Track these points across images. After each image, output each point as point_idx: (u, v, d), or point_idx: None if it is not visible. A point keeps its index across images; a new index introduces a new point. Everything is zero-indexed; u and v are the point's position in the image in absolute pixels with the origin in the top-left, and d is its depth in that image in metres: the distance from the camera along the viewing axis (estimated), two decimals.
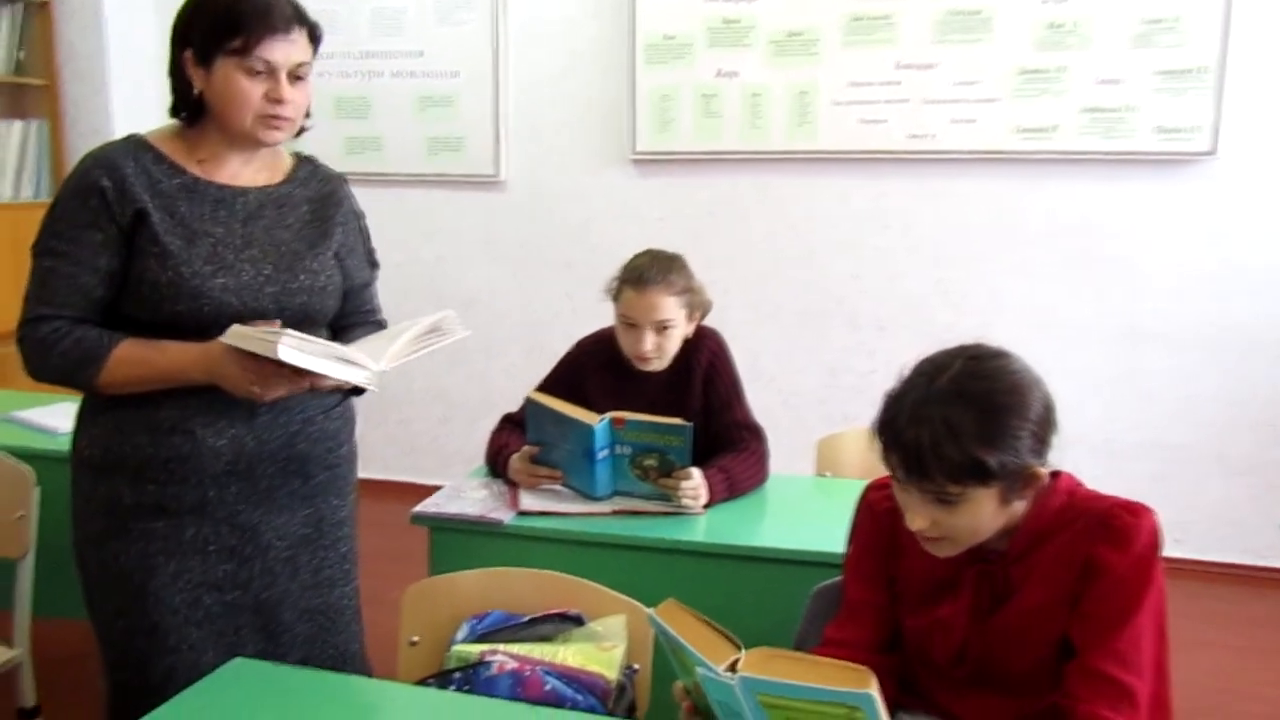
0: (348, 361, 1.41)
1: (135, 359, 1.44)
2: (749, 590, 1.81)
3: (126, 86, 3.92)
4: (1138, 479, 3.38)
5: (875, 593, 1.38)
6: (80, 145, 3.90)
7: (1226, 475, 3.36)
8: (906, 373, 1.25)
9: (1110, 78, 3.22)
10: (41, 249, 1.47)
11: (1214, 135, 3.15)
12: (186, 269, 1.45)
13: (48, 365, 1.46)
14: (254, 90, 1.45)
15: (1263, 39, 3.11)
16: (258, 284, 1.50)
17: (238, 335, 1.37)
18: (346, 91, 3.91)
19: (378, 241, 1.77)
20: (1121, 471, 3.38)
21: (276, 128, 1.49)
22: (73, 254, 1.44)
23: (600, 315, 2.18)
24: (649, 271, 2.02)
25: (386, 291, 1.81)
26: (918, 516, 1.23)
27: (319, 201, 1.63)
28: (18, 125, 3.72)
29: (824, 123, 3.49)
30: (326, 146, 3.85)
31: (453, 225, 3.95)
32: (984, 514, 1.21)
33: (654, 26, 3.58)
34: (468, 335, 1.53)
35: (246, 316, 1.45)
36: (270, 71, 1.44)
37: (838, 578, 1.50)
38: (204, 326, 1.44)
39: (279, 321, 1.43)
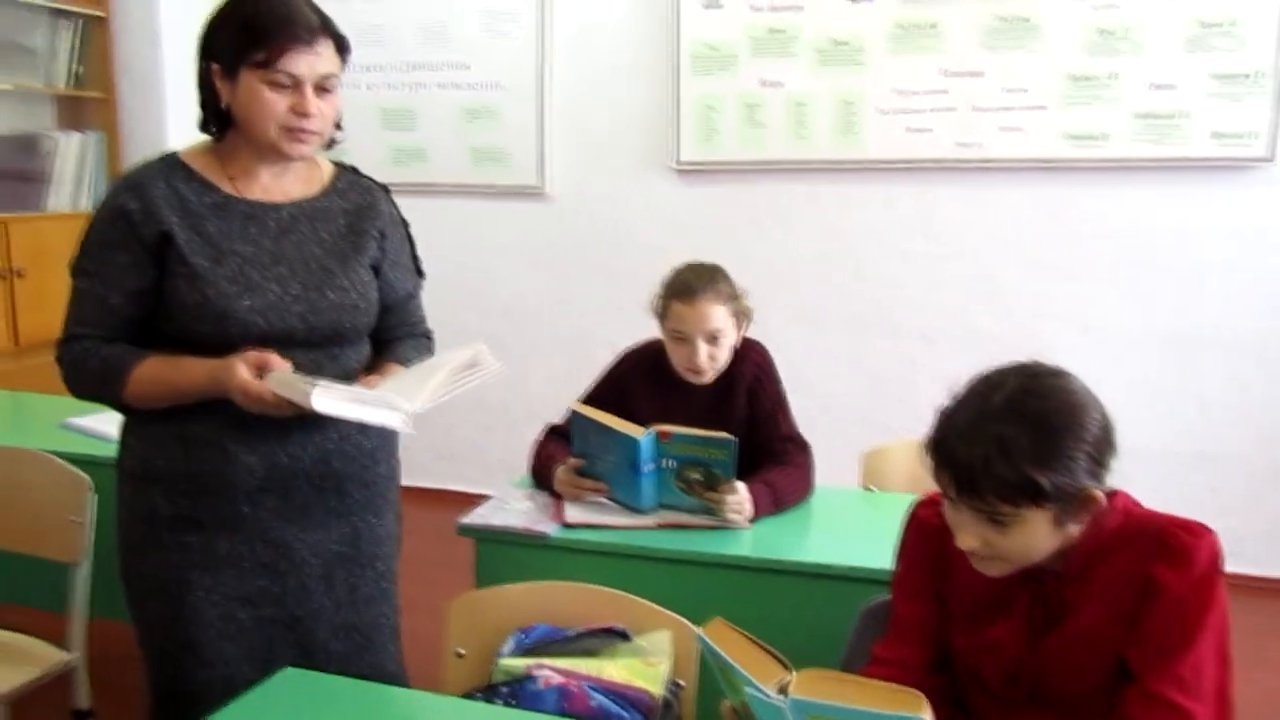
0: (382, 405, 1.41)
1: (155, 377, 1.46)
2: (795, 606, 1.79)
3: (182, 98, 4.00)
4: (1194, 490, 3.32)
5: (925, 611, 1.36)
6: (136, 156, 3.98)
7: None
8: (960, 389, 1.23)
9: (1163, 83, 3.16)
10: (75, 269, 1.51)
11: (1272, 141, 3.09)
12: (212, 290, 1.45)
13: (80, 383, 1.51)
14: (278, 103, 1.44)
15: None
16: (285, 303, 1.49)
17: (277, 382, 1.39)
18: (392, 103, 3.96)
19: (423, 252, 1.75)
20: (1177, 482, 3.32)
21: (302, 140, 1.48)
22: (102, 275, 1.47)
23: (644, 324, 2.18)
24: (696, 282, 2.02)
25: (431, 302, 1.81)
26: (969, 536, 1.21)
27: (356, 213, 1.61)
28: (76, 137, 3.81)
29: (870, 132, 3.47)
30: (372, 157, 3.95)
31: (497, 235, 3.98)
32: (1037, 536, 1.19)
33: (698, 36, 3.59)
34: (501, 370, 1.50)
35: (273, 336, 1.46)
36: (295, 84, 1.44)
37: (886, 595, 1.48)
38: (232, 346, 1.44)
39: (289, 364, 1.43)
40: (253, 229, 1.51)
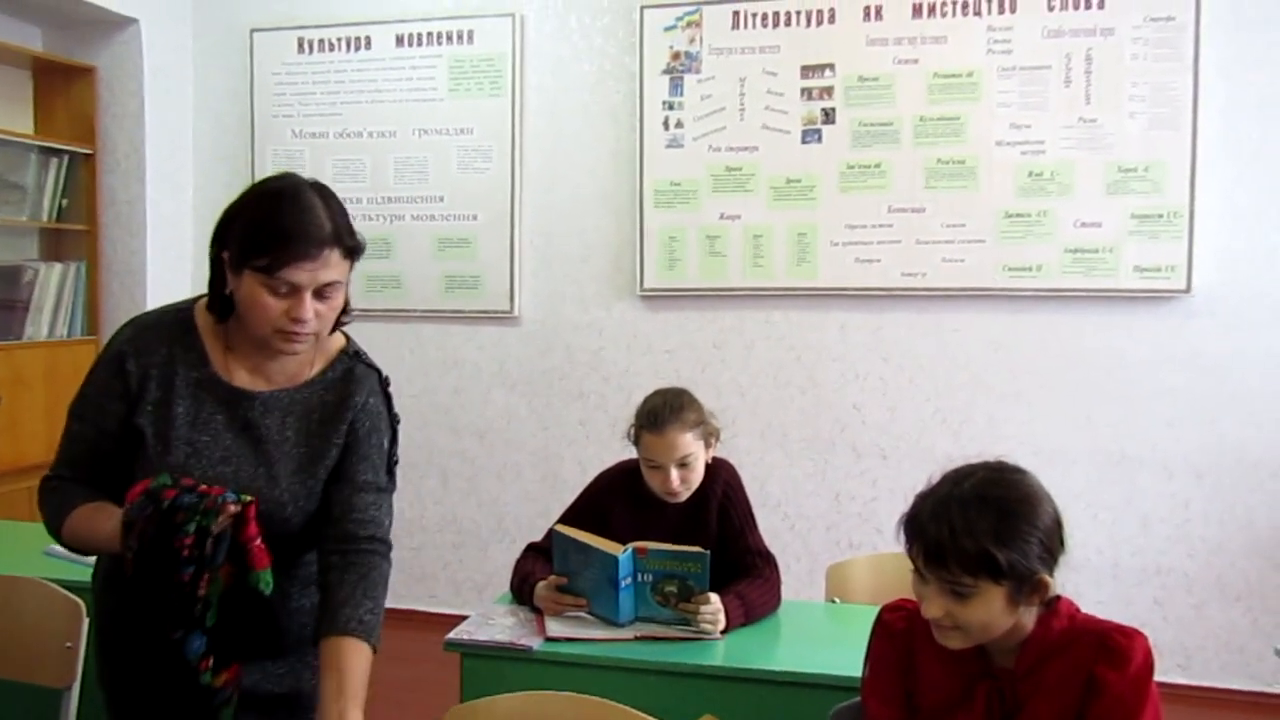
0: None
1: (82, 519, 1.48)
2: (767, 712, 1.88)
3: (162, 231, 4.16)
4: (1140, 604, 3.45)
5: (894, 710, 1.47)
6: (116, 286, 4.11)
7: (1226, 600, 3.43)
8: (935, 478, 1.42)
9: (1089, 221, 3.45)
10: (71, 411, 1.56)
11: (1188, 274, 3.36)
12: (153, 471, 1.45)
13: (44, 517, 1.54)
14: (275, 306, 1.43)
15: (1228, 186, 3.36)
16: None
17: None
18: (370, 233, 4.07)
19: (396, 374, 1.69)
20: (1124, 597, 3.46)
21: (294, 340, 1.47)
22: (92, 419, 1.52)
23: (611, 444, 2.30)
24: (663, 412, 2.16)
25: (406, 424, 1.74)
26: (934, 606, 1.36)
27: (336, 405, 1.57)
28: (58, 267, 3.93)
29: (823, 261, 3.70)
30: (349, 284, 4.09)
31: (469, 358, 4.12)
32: (994, 610, 1.34)
33: (661, 174, 3.84)
34: None
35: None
36: (294, 290, 1.43)
37: (855, 699, 1.59)
38: None
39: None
40: (219, 416, 1.52)
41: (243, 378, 1.55)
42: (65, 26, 4.11)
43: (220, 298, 1.52)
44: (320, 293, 1.45)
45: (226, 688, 1.46)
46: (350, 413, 1.58)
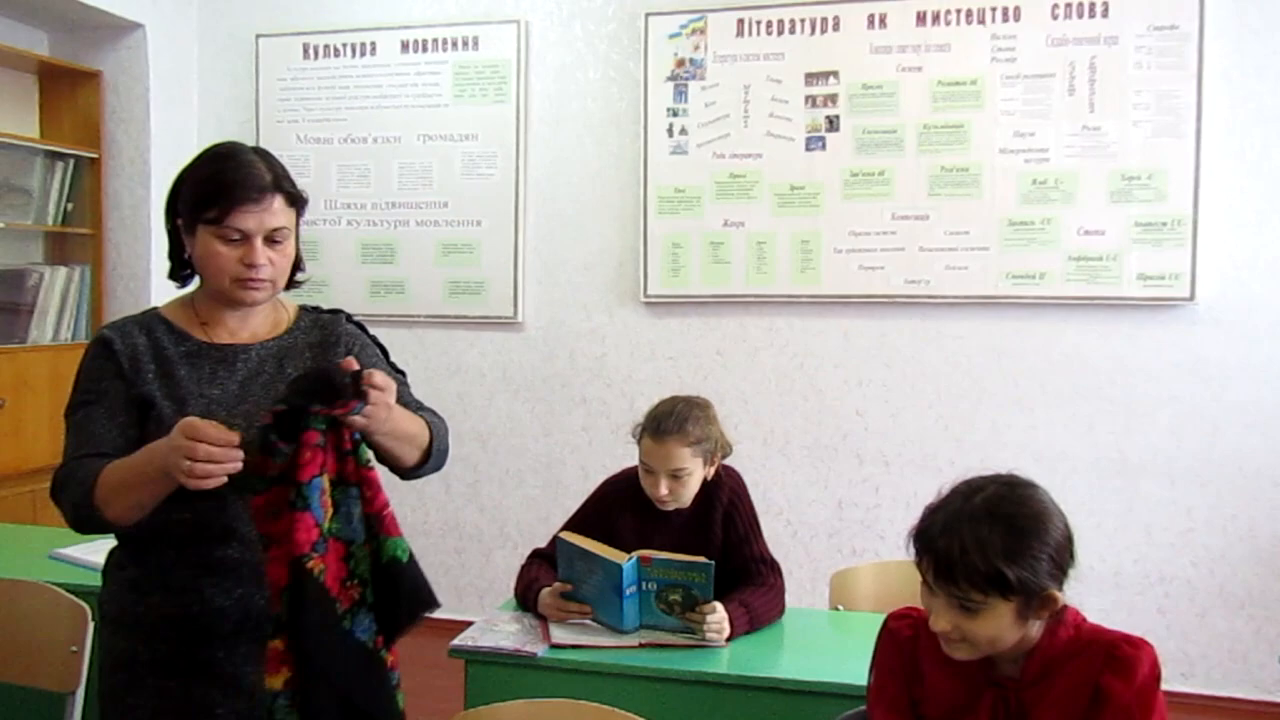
0: None
1: (116, 468, 1.45)
2: None
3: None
4: (1142, 612, 3.45)
5: (900, 718, 1.47)
6: (120, 290, 4.12)
7: (1229, 608, 3.43)
8: (945, 490, 1.41)
9: (1093, 229, 3.45)
10: (70, 406, 1.56)
11: (1191, 283, 3.36)
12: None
13: (68, 503, 1.48)
14: (230, 255, 1.53)
15: (1232, 194, 3.36)
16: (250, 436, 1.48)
17: None
18: (374, 238, 4.15)
19: None
20: (1126, 605, 3.46)
21: (253, 288, 1.56)
22: (100, 401, 1.53)
23: (614, 450, 2.31)
24: (666, 422, 2.15)
25: None
26: (942, 619, 1.36)
27: (321, 345, 1.68)
28: (62, 271, 3.93)
29: (826, 268, 3.71)
30: (352, 289, 4.12)
31: (473, 363, 4.12)
32: (1002, 625, 1.34)
33: (665, 181, 3.84)
34: None
35: (235, 475, 1.38)
36: (245, 238, 1.53)
37: (860, 708, 1.59)
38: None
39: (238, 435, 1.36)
40: (221, 373, 1.58)
41: (226, 338, 1.62)
42: (71, 31, 4.12)
43: (179, 264, 1.62)
44: (270, 239, 1.55)
45: (395, 668, 1.48)
46: (339, 342, 1.69)
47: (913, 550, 1.40)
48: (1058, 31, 3.46)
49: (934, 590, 1.37)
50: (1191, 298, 3.37)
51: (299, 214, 1.61)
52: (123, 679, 1.56)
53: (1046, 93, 3.48)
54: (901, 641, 1.50)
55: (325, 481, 1.40)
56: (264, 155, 1.60)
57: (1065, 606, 1.39)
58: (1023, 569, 1.32)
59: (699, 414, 2.19)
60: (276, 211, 1.55)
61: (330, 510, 1.40)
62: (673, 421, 2.15)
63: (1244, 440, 3.40)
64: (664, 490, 2.15)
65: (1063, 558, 1.36)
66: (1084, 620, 1.42)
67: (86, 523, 1.49)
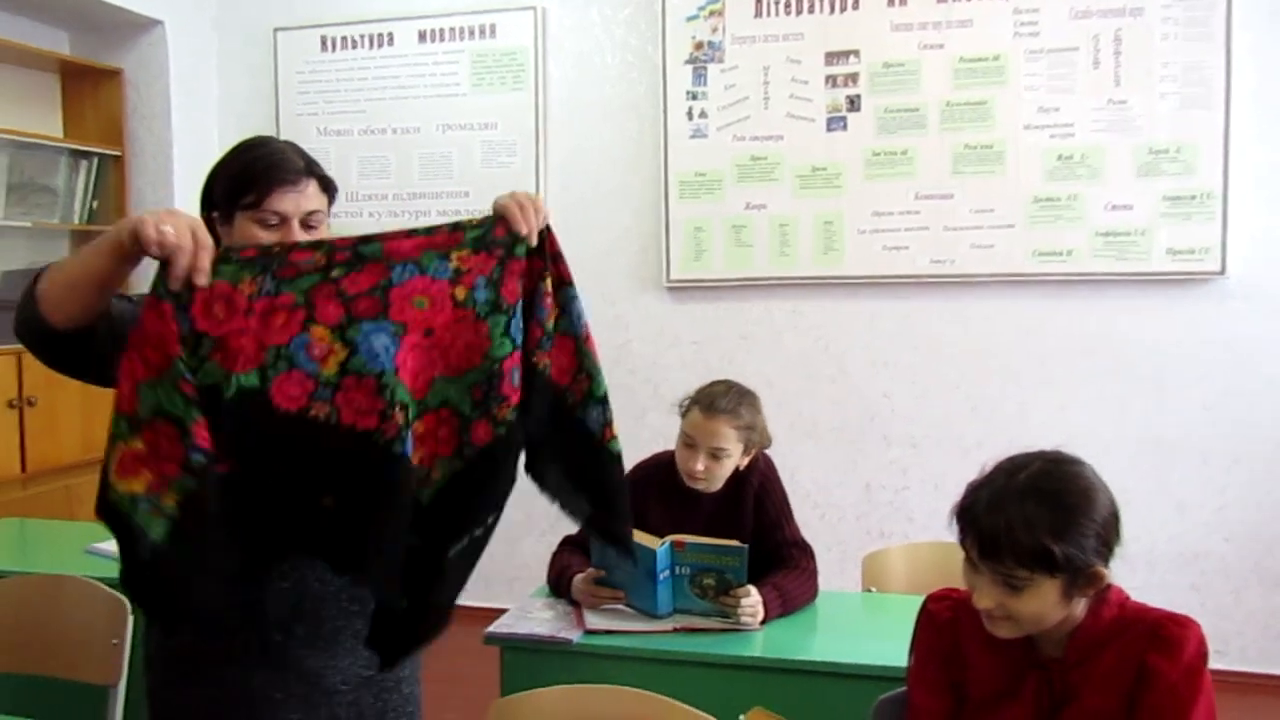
0: None
1: (63, 260, 1.37)
2: (808, 704, 1.87)
3: None
4: (1177, 590, 3.42)
5: (941, 700, 1.46)
6: (143, 286, 4.13)
7: (1264, 585, 3.39)
8: (989, 467, 1.39)
9: (1120, 204, 3.41)
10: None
11: (1221, 256, 3.32)
12: None
13: (19, 307, 1.38)
14: (268, 239, 1.51)
15: (1262, 166, 3.31)
16: None
17: None
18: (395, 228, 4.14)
19: None
20: (1160, 583, 3.42)
21: None
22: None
23: (640, 436, 2.30)
24: (721, 399, 2.16)
25: None
26: (986, 597, 1.35)
27: None
28: None
29: (849, 250, 3.68)
30: None
31: None
32: (1047, 603, 1.33)
33: (685, 165, 3.82)
34: None
35: None
36: (282, 220, 1.53)
37: (898, 690, 1.58)
38: None
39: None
40: None
41: None
42: (91, 30, 4.14)
43: None
44: (306, 224, 1.55)
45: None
46: None
47: (955, 527, 1.38)
48: (1081, 4, 3.41)
49: (978, 568, 1.36)
50: (1222, 271, 3.33)
51: (330, 201, 1.63)
52: (176, 671, 1.54)
53: (1070, 67, 3.43)
54: (941, 624, 1.49)
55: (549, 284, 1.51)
56: (293, 145, 1.63)
57: (1110, 585, 1.37)
58: (1069, 545, 1.30)
59: (751, 401, 2.22)
60: (311, 195, 1.57)
61: (556, 311, 1.52)
62: (727, 401, 2.16)
63: (1277, 415, 3.35)
64: (700, 465, 2.14)
65: (1109, 535, 1.35)
66: (1128, 599, 1.40)
67: (30, 327, 1.36)
